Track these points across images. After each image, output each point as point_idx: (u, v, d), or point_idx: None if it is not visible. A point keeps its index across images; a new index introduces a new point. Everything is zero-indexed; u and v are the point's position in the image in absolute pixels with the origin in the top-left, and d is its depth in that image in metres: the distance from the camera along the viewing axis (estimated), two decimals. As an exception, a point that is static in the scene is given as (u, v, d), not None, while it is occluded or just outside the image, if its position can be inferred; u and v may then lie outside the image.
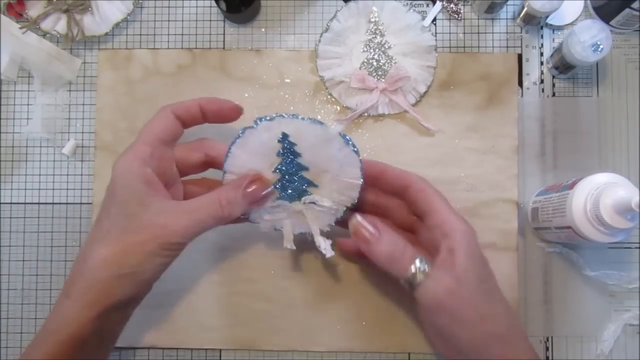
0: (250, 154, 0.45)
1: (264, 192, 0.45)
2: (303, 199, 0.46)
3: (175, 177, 0.45)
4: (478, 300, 0.41)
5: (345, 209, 0.47)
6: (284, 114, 0.44)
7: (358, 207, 0.47)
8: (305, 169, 0.46)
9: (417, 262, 0.41)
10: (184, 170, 0.46)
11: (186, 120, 0.45)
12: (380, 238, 0.42)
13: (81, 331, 0.40)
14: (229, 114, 0.46)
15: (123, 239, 0.40)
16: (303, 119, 0.45)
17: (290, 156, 0.45)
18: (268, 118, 0.44)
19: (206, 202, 0.43)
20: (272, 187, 0.46)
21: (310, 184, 0.46)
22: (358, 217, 0.43)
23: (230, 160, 0.45)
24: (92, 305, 0.40)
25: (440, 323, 0.41)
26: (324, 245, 0.46)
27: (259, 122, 0.44)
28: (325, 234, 0.47)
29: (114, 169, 0.42)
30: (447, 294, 0.40)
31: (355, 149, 0.45)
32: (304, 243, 0.53)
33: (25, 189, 0.55)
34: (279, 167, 0.46)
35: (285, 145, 0.45)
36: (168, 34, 0.56)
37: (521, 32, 0.55)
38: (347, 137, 0.45)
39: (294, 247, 0.46)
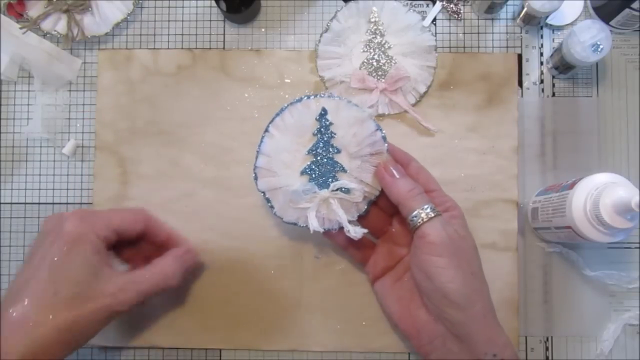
0: (287, 134, 0.47)
1: (196, 263, 0.50)
2: (332, 185, 0.47)
3: (113, 244, 0.47)
4: (472, 259, 0.44)
5: (368, 201, 0.48)
6: (322, 93, 0.48)
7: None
8: (338, 151, 0.47)
9: (428, 207, 0.44)
10: (122, 238, 0.47)
11: (128, 233, 0.47)
12: (403, 178, 0.45)
13: None
14: (133, 228, 0.48)
15: (72, 307, 0.42)
16: (341, 98, 0.47)
17: (326, 136, 0.47)
18: (308, 95, 0.47)
19: (152, 274, 0.46)
20: (306, 166, 0.47)
21: (341, 168, 0.47)
22: (390, 157, 0.47)
23: (266, 140, 0.47)
24: None
25: (435, 264, 0.42)
26: (353, 230, 0.46)
27: (298, 100, 0.47)
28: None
29: (66, 230, 0.43)
30: (450, 240, 0.43)
31: (384, 135, 0.47)
32: (305, 243, 0.53)
33: (26, 189, 0.55)
34: (313, 148, 0.47)
35: (323, 123, 0.47)
36: (168, 34, 0.56)
37: (521, 32, 0.55)
38: (378, 124, 0.47)
39: (321, 230, 0.47)
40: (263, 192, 0.48)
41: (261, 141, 0.47)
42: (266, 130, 0.47)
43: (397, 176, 0.45)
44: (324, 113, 0.47)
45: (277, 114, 0.47)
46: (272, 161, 0.47)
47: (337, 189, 0.47)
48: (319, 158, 0.47)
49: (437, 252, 0.42)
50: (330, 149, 0.47)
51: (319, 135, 0.47)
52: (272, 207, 0.48)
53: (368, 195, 0.47)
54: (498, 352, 0.42)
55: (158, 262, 0.47)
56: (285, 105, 0.47)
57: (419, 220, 0.43)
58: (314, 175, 0.47)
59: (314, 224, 0.46)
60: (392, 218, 0.49)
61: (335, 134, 0.47)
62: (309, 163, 0.47)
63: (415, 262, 0.44)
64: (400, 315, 0.47)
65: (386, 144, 0.47)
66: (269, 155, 0.47)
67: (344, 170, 0.47)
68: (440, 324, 0.44)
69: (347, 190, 0.47)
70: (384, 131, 0.47)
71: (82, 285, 0.42)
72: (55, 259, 0.42)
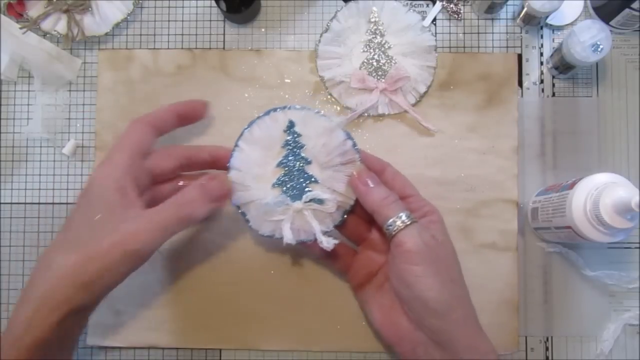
0: (256, 148, 0.47)
1: (224, 189, 0.46)
2: (304, 196, 0.46)
3: (148, 185, 0.46)
4: (451, 265, 0.44)
5: (343, 211, 0.48)
6: (289, 106, 0.47)
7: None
8: (308, 162, 0.47)
9: (403, 215, 0.43)
10: (161, 178, 0.47)
11: (161, 129, 0.47)
12: (377, 186, 0.45)
13: (44, 336, 0.40)
14: (197, 112, 0.49)
15: (88, 247, 0.40)
16: (309, 109, 0.47)
17: (295, 148, 0.47)
18: (274, 109, 0.47)
19: (166, 206, 0.43)
20: (277, 179, 0.47)
21: (312, 179, 0.47)
22: (363, 166, 0.46)
23: (237, 155, 0.47)
24: (53, 311, 0.40)
25: (413, 273, 0.42)
26: (326, 240, 0.46)
27: (265, 113, 0.47)
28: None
29: (91, 178, 0.43)
30: (427, 247, 0.42)
31: (356, 147, 0.47)
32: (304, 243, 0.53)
33: (25, 189, 0.55)
34: (283, 160, 0.47)
35: (291, 135, 0.47)
36: (168, 34, 0.56)
37: (521, 32, 0.55)
38: (348, 133, 0.47)
39: (294, 242, 0.46)
40: (237, 206, 0.48)
41: (231, 156, 0.47)
42: (236, 145, 0.47)
43: (371, 185, 0.45)
44: (291, 125, 0.47)
45: (246, 128, 0.47)
46: (244, 175, 0.47)
47: (310, 200, 0.47)
48: (289, 170, 0.47)
49: (414, 261, 0.42)
50: (301, 161, 0.47)
51: (288, 148, 0.47)
52: (247, 220, 0.48)
53: (342, 205, 0.47)
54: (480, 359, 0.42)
55: (180, 192, 0.44)
56: (254, 118, 0.47)
57: (395, 229, 0.43)
58: (285, 188, 0.47)
59: (288, 236, 0.46)
60: (371, 225, 0.49)
61: (304, 145, 0.47)
62: (280, 175, 0.47)
63: (393, 270, 0.44)
64: (382, 323, 0.46)
65: (358, 153, 0.46)
66: (239, 170, 0.47)
67: (315, 181, 0.47)
68: (421, 332, 0.43)
69: (321, 201, 0.47)
70: (354, 140, 0.47)
71: (97, 226, 0.41)
72: (77, 208, 0.42)
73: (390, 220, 0.43)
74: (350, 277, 0.49)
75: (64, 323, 0.40)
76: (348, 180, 0.46)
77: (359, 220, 0.48)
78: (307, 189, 0.47)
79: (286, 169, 0.47)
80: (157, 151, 0.47)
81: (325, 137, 0.47)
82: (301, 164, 0.47)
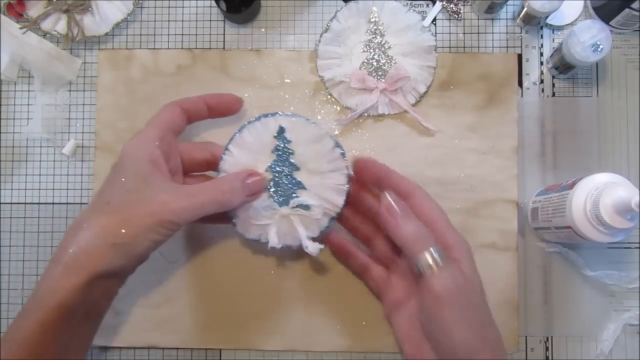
0: (246, 152, 0.47)
1: (261, 186, 0.47)
2: (291, 202, 0.47)
3: (178, 168, 0.47)
4: (481, 307, 0.42)
5: (330, 218, 0.48)
6: (280, 112, 0.48)
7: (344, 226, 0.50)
8: (297, 168, 0.48)
9: (433, 251, 0.41)
10: (188, 166, 0.48)
11: (192, 115, 0.48)
12: (406, 219, 0.43)
13: (69, 299, 0.40)
14: (231, 106, 0.50)
15: (122, 211, 0.41)
16: (299, 116, 0.48)
17: (285, 154, 0.48)
18: (265, 114, 0.47)
19: (207, 187, 0.44)
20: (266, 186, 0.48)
21: (300, 185, 0.48)
22: (391, 195, 0.44)
23: (227, 158, 0.48)
24: (81, 272, 0.40)
25: (442, 316, 0.41)
26: (311, 246, 0.47)
27: (257, 118, 0.48)
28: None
29: (123, 149, 0.43)
30: (457, 289, 0.41)
31: (343, 152, 0.47)
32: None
33: (25, 189, 0.55)
34: (272, 166, 0.48)
35: (281, 141, 0.48)
36: (168, 34, 0.56)
37: (521, 32, 0.55)
38: (337, 141, 0.47)
39: (279, 246, 0.47)
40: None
41: (221, 159, 0.48)
42: (226, 149, 0.48)
43: (400, 215, 0.43)
44: (281, 131, 0.47)
45: (237, 133, 0.48)
46: None
47: (297, 206, 0.47)
48: (278, 175, 0.48)
49: (443, 305, 0.41)
50: (290, 167, 0.48)
51: (277, 153, 0.48)
52: (234, 224, 0.48)
53: (328, 212, 0.48)
54: None
55: (217, 178, 0.46)
56: (245, 123, 0.48)
57: (424, 267, 0.41)
58: (273, 192, 0.48)
59: (273, 240, 0.47)
60: (400, 251, 0.46)
61: (293, 152, 0.47)
62: (268, 180, 0.48)
63: (422, 310, 0.43)
64: (411, 354, 0.45)
65: (346, 161, 0.47)
66: (229, 173, 0.47)
67: (303, 187, 0.48)
68: None
69: (307, 207, 0.47)
70: (342, 148, 0.47)
71: (133, 193, 0.42)
72: (111, 172, 0.43)
73: (420, 258, 0.41)
74: (383, 301, 0.48)
75: (90, 288, 0.40)
76: (381, 208, 0.44)
77: (385, 243, 0.47)
78: (294, 195, 0.48)
79: (275, 174, 0.48)
80: (189, 142, 0.48)
81: (314, 144, 0.47)
82: (290, 170, 0.48)
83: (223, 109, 0.50)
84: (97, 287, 0.41)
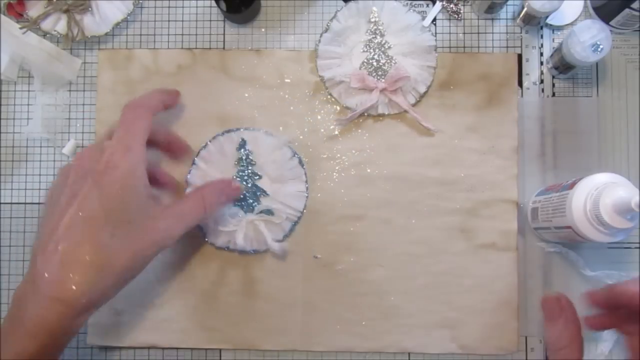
0: (212, 165, 0.53)
1: (239, 193, 0.51)
2: (256, 208, 0.52)
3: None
4: None
5: (292, 223, 0.52)
6: (242, 128, 0.53)
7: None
8: (259, 177, 0.52)
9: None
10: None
11: (154, 114, 0.47)
12: (565, 322, 0.43)
13: (64, 333, 0.41)
14: (175, 102, 0.52)
15: (129, 247, 0.41)
16: (259, 130, 0.53)
17: (247, 164, 0.52)
18: (228, 130, 0.53)
19: (193, 203, 0.46)
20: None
21: (263, 192, 0.52)
22: (552, 295, 0.45)
23: (194, 172, 0.52)
24: (87, 310, 0.41)
25: None
26: (277, 246, 0.51)
27: (220, 134, 0.53)
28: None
29: (115, 164, 0.41)
30: None
31: (301, 161, 0.53)
32: (304, 243, 0.53)
33: (26, 189, 0.55)
34: (236, 175, 0.52)
35: (243, 152, 0.52)
36: (168, 34, 0.56)
37: (521, 32, 0.55)
38: (295, 151, 0.53)
39: (247, 249, 0.52)
40: None
41: (189, 172, 0.52)
42: (193, 163, 0.53)
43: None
44: (243, 143, 0.52)
45: (203, 147, 0.53)
46: None
47: (260, 212, 0.52)
48: (242, 184, 0.52)
49: None
50: (252, 175, 0.52)
51: (241, 164, 0.52)
52: (204, 234, 0.52)
53: (290, 217, 0.52)
54: None
55: (198, 194, 0.46)
56: (210, 138, 0.53)
57: None
58: (238, 201, 0.52)
59: (240, 243, 0.51)
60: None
61: (255, 162, 0.52)
62: (242, 189, 0.52)
63: None
64: None
65: (304, 169, 0.52)
66: (196, 185, 0.52)
67: (266, 194, 0.52)
68: None
69: (271, 212, 0.52)
70: (301, 157, 0.53)
71: (137, 224, 0.41)
72: (107, 199, 0.40)
73: None
74: None
75: (82, 321, 0.42)
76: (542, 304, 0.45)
77: None
78: (257, 202, 0.52)
79: (240, 183, 0.52)
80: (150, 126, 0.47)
81: (274, 154, 0.52)
82: (253, 179, 0.52)
83: (169, 104, 0.50)
84: (84, 317, 0.42)
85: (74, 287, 0.39)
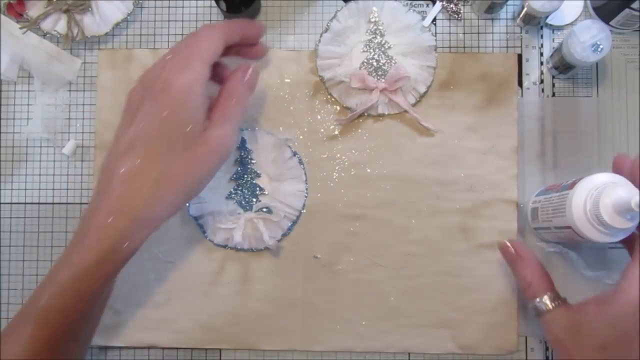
0: None
1: (257, 77, 0.48)
2: (254, 206, 0.52)
3: None
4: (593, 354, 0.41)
5: (291, 222, 0.52)
6: (243, 128, 0.53)
7: None
8: (258, 175, 0.53)
9: (546, 297, 0.45)
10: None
11: (228, 43, 0.46)
12: (522, 262, 0.47)
13: (125, 247, 0.41)
14: (256, 34, 0.49)
15: (186, 158, 0.42)
16: (259, 130, 0.53)
17: (246, 162, 0.53)
18: None
19: (232, 105, 0.45)
20: (230, 191, 0.53)
21: (261, 190, 0.53)
22: (506, 242, 0.49)
23: None
24: (149, 225, 0.42)
25: (556, 353, 0.43)
26: (273, 241, 0.51)
27: None
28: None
29: (171, 81, 0.42)
30: (564, 333, 0.43)
31: (300, 161, 0.53)
32: (304, 243, 0.53)
33: (25, 189, 0.55)
34: (236, 174, 0.53)
35: (243, 151, 0.53)
36: (168, 34, 0.56)
37: (521, 32, 0.55)
38: (295, 150, 0.53)
39: (245, 246, 0.52)
40: (195, 218, 0.52)
41: None
42: None
43: (515, 256, 0.48)
44: (243, 142, 0.53)
45: None
46: None
47: (259, 210, 0.52)
48: (241, 183, 0.53)
49: (554, 345, 0.44)
50: (251, 174, 0.53)
51: (240, 162, 0.53)
52: (204, 231, 0.53)
53: (289, 215, 0.52)
54: None
55: (228, 93, 0.45)
56: None
57: (540, 312, 0.46)
58: (238, 199, 0.52)
59: (239, 241, 0.51)
60: None
61: (254, 161, 0.53)
62: (233, 188, 0.53)
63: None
64: None
65: (303, 169, 0.53)
66: None
67: (264, 192, 0.53)
68: None
69: (270, 210, 0.52)
70: (299, 155, 0.53)
71: (193, 136, 0.42)
72: (165, 113, 0.41)
73: (536, 304, 0.46)
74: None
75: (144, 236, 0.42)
76: (499, 247, 0.50)
77: None
78: (257, 200, 0.52)
79: (238, 181, 0.53)
80: (223, 34, 0.46)
81: (274, 152, 0.53)
82: (252, 177, 0.53)
83: (251, 38, 0.48)
84: (146, 232, 0.42)
85: (136, 200, 0.41)
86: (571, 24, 0.55)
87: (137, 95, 0.44)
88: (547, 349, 0.52)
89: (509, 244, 0.49)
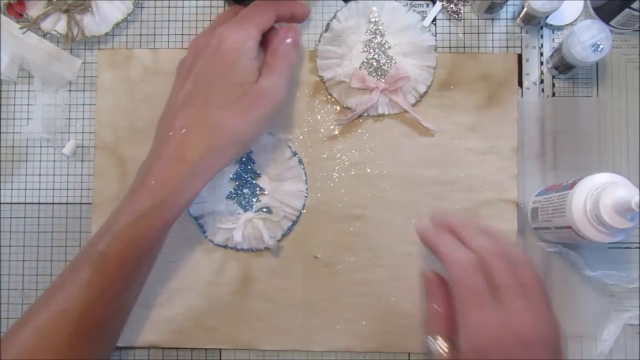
0: None
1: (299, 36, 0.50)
2: (254, 206, 0.52)
3: None
4: None
5: (291, 222, 0.52)
6: None
7: None
8: (258, 175, 0.53)
9: (429, 341, 0.42)
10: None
11: (276, 18, 0.48)
12: (429, 301, 0.44)
13: (184, 192, 0.43)
14: (302, 13, 0.51)
15: (240, 108, 0.45)
16: None
17: (247, 162, 0.53)
18: None
19: (281, 60, 0.47)
20: (230, 191, 0.53)
21: (261, 190, 0.53)
22: (426, 273, 0.45)
23: None
24: (206, 171, 0.44)
25: None
26: (273, 244, 0.51)
27: None
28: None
29: (225, 39, 0.45)
30: None
31: (300, 160, 0.53)
32: (304, 243, 0.53)
33: (25, 189, 0.55)
34: (236, 174, 0.53)
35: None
36: (168, 34, 0.56)
37: (521, 32, 0.55)
38: (295, 151, 0.53)
39: (245, 246, 0.52)
40: (195, 218, 0.53)
41: None
42: None
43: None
44: None
45: None
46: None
47: (259, 210, 0.52)
48: (241, 183, 0.53)
49: None
50: (251, 174, 0.53)
51: (240, 162, 0.53)
52: (204, 231, 0.53)
53: (289, 216, 0.52)
54: None
55: (276, 48, 0.48)
56: None
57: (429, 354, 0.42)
58: (238, 199, 0.53)
59: (238, 241, 0.51)
60: None
61: (255, 161, 0.53)
62: (233, 188, 0.53)
63: None
64: None
65: (303, 169, 0.53)
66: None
67: (264, 192, 0.53)
68: None
69: (270, 210, 0.52)
70: (300, 155, 0.53)
71: (246, 87, 0.45)
72: (220, 66, 0.45)
73: (426, 344, 0.42)
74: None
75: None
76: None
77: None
78: (257, 200, 0.52)
79: (238, 181, 0.53)
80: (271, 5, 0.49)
81: (273, 153, 0.53)
82: (252, 177, 0.53)
83: (300, 15, 0.51)
84: (203, 179, 0.45)
85: (194, 146, 0.43)
86: (571, 24, 0.55)
87: (188, 60, 0.47)
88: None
89: (430, 276, 0.45)
